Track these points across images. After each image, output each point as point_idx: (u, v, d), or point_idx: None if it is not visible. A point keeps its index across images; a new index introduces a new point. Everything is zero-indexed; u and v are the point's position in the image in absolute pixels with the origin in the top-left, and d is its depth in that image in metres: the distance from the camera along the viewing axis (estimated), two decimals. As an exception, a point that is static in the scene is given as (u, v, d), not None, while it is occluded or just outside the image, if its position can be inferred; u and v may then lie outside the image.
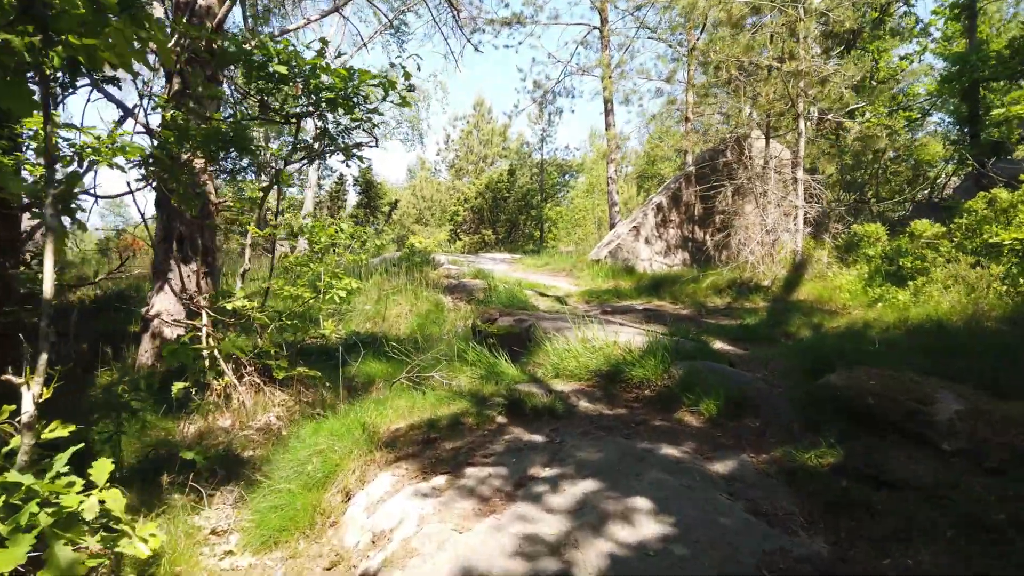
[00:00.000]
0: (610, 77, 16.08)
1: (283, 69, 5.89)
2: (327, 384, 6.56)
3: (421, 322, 9.51)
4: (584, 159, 38.04)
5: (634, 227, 12.53)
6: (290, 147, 6.77)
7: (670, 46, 15.29)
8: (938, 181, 19.59)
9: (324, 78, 6.28)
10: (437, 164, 36.00)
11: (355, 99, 6.72)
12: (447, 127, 35.17)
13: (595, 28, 16.76)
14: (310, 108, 6.65)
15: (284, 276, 9.76)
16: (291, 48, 6.07)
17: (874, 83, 16.23)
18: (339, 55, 21.77)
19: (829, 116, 11.38)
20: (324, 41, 6.39)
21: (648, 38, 16.19)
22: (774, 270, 10.03)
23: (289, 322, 6.88)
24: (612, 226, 16.96)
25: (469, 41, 13.32)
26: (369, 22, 22.67)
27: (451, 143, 35.00)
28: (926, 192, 20.30)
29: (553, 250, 17.53)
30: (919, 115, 19.83)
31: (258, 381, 6.27)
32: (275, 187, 6.80)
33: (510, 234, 29.48)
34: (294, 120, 6.71)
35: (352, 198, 28.91)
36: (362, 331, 9.15)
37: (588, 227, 36.10)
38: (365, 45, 22.86)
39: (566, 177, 34.78)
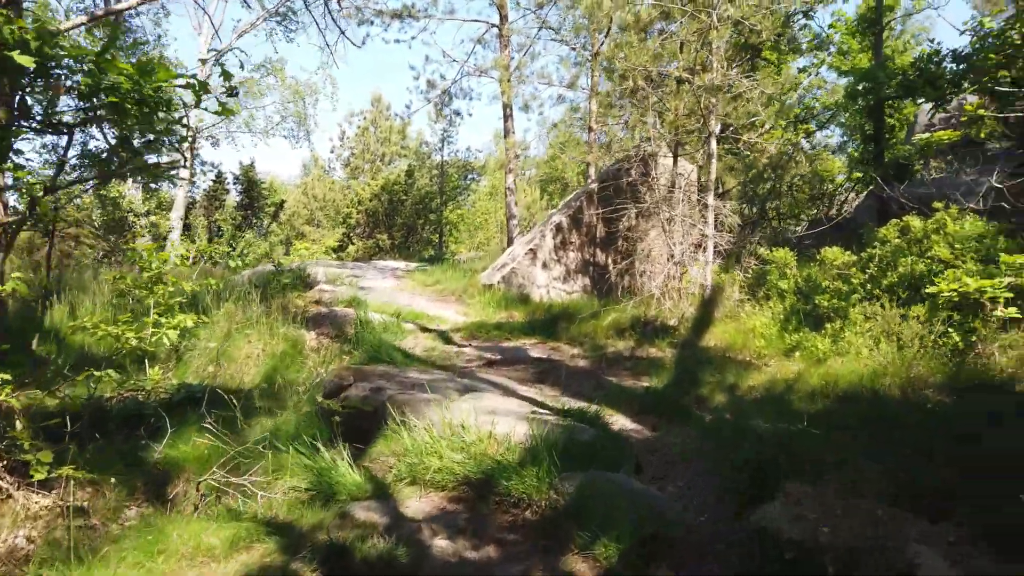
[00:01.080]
0: (509, 80, 14.72)
1: (27, 61, 4.14)
2: (117, 478, 4.90)
3: (273, 367, 7.87)
4: (488, 160, 36.70)
5: (531, 250, 11.21)
6: (57, 167, 4.99)
7: (573, 48, 14.11)
8: (837, 198, 19.36)
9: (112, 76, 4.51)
10: (332, 162, 33.79)
11: (152, 103, 4.90)
12: (343, 123, 33.04)
13: (494, 26, 15.36)
14: (91, 114, 4.89)
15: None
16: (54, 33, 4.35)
17: (781, 97, 15.63)
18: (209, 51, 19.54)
19: (741, 135, 10.41)
20: (115, 28, 4.60)
21: (551, 39, 14.95)
22: (681, 307, 8.91)
23: (98, 374, 5.19)
24: (510, 240, 15.62)
25: (343, 33, 11.60)
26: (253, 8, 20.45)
27: (346, 140, 32.86)
28: (824, 208, 20.09)
29: (447, 264, 16.03)
30: (816, 129, 19.52)
31: (6, 485, 4.51)
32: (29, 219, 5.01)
33: (407, 239, 27.76)
34: (64, 131, 4.94)
35: (242, 197, 26.43)
36: (200, 378, 7.42)
37: (490, 230, 34.79)
38: (244, 34, 20.71)
39: (468, 179, 33.33)
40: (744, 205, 18.92)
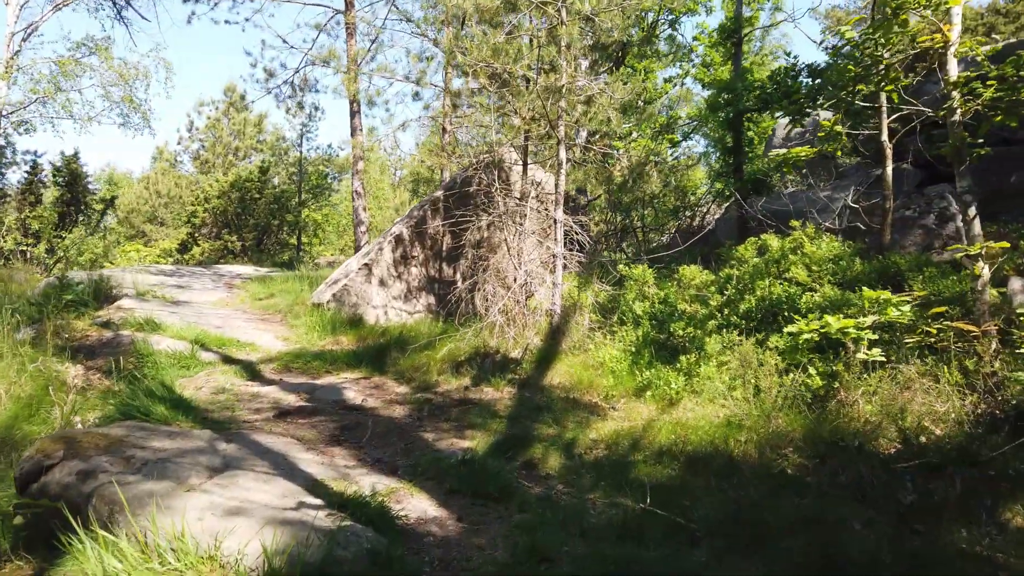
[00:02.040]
0: (355, 73, 13.20)
1: None
2: None
3: (14, 415, 6.14)
4: (347, 158, 34.65)
5: (365, 265, 9.80)
6: None
7: (424, 35, 12.74)
8: (699, 210, 19.14)
9: None
10: (180, 154, 30.73)
11: None
12: (192, 113, 30.09)
13: (339, 12, 13.77)
14: None
15: None
16: None
17: (642, 104, 15.03)
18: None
19: (594, 142, 9.45)
20: None
21: (399, 31, 13.54)
22: (526, 336, 7.82)
23: None
24: (356, 249, 14.10)
25: (130, 4, 9.69)
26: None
27: (196, 131, 29.96)
28: (686, 220, 19.87)
29: (296, 273, 14.29)
30: (680, 139, 19.24)
31: None
32: None
33: (260, 241, 25.46)
34: None
35: (63, 191, 23.10)
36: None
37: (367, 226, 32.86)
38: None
39: (331, 179, 31.26)
40: (611, 216, 18.34)
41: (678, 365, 7.24)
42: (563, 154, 8.34)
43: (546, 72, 7.79)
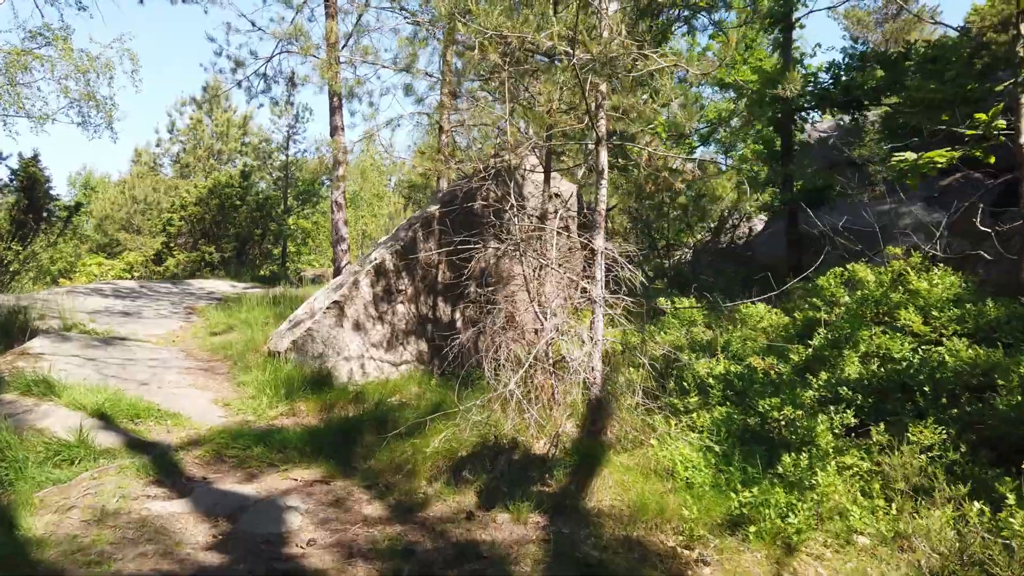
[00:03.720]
0: (335, 59, 10.75)
1: None
2: None
3: None
4: (366, 158, 32.05)
5: (335, 303, 7.34)
6: None
7: (416, 18, 10.21)
8: (729, 222, 16.67)
9: None
10: (160, 157, 28.21)
11: None
12: (172, 112, 27.62)
13: (317, -12, 11.36)
14: None
15: None
16: None
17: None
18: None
19: (633, 142, 7.00)
20: None
21: (384, 8, 11.07)
22: (555, 419, 5.38)
23: None
24: (337, 271, 11.64)
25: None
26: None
27: (176, 132, 27.45)
28: (709, 234, 17.41)
29: (266, 308, 11.82)
30: (699, 144, 16.81)
31: None
32: None
33: (241, 253, 22.97)
34: None
35: (18, 197, 20.55)
36: None
37: (350, 240, 30.31)
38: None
39: (323, 183, 28.76)
40: (627, 230, 15.88)
41: (781, 470, 4.80)
42: (604, 159, 5.90)
43: (584, 43, 5.34)
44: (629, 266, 5.79)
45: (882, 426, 5.20)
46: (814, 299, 7.78)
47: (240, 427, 6.15)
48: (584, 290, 5.65)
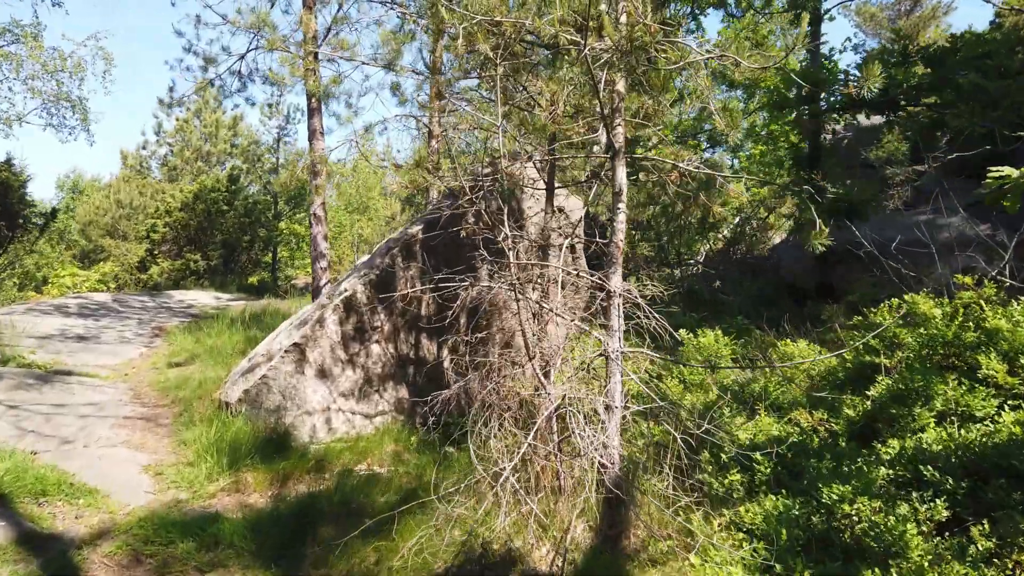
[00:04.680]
0: (313, 54, 9.46)
1: None
2: None
3: None
4: (344, 165, 30.71)
5: (295, 346, 6.06)
6: None
7: (397, 4, 8.83)
8: (748, 231, 15.34)
9: None
10: (147, 159, 26.92)
11: None
12: (159, 113, 26.34)
13: (292, -24, 10.06)
14: None
15: None
16: None
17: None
18: None
19: (647, 149, 5.70)
20: None
21: (365, -2, 9.73)
22: (561, 516, 4.11)
23: None
24: (316, 294, 10.37)
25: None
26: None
27: (163, 134, 26.18)
28: (715, 244, 16.08)
29: (238, 332, 10.57)
30: (706, 146, 15.48)
31: None
32: None
33: (228, 261, 21.72)
34: None
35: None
36: None
37: (343, 247, 29.01)
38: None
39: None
40: (635, 240, 14.57)
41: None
42: (622, 176, 4.62)
43: (598, 29, 4.07)
44: (653, 312, 4.51)
45: (986, 524, 3.94)
46: (864, 335, 6.50)
47: (168, 511, 4.87)
48: (599, 341, 4.37)
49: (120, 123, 70.89)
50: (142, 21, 74.46)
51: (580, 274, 4.57)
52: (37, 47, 15.82)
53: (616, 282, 4.53)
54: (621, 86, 4.66)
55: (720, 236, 15.68)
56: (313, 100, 10.16)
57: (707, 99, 4.50)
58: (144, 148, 26.61)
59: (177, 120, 25.45)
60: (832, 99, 10.31)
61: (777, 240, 15.34)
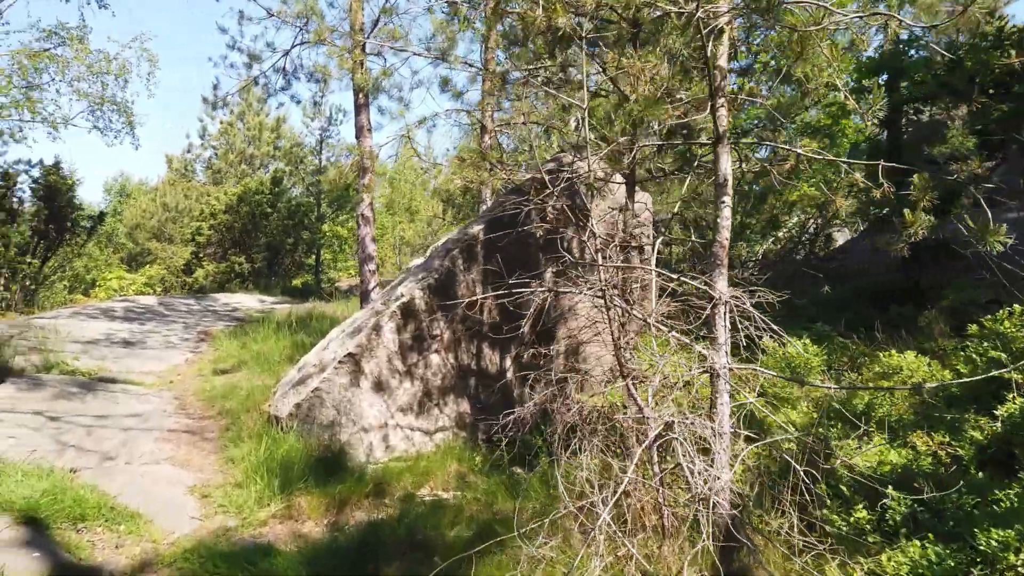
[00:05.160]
0: (361, 47, 8.99)
1: None
2: None
3: None
4: (385, 166, 30.42)
5: (350, 356, 5.54)
6: None
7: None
8: (815, 229, 14.46)
9: None
10: (192, 163, 26.98)
11: None
12: (204, 117, 26.36)
13: (339, -35, 9.62)
14: None
15: None
16: None
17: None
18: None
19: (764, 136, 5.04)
20: None
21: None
22: (667, 562, 3.50)
23: None
24: (365, 298, 9.90)
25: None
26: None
27: (208, 137, 26.18)
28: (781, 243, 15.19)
29: (284, 338, 10.16)
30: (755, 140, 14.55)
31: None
32: None
33: (272, 263, 21.52)
34: None
35: (38, 207, 19.34)
36: None
37: (385, 249, 28.71)
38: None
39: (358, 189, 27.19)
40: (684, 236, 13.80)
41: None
42: (726, 163, 3.99)
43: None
44: (768, 323, 3.87)
45: None
46: (985, 345, 5.74)
47: (216, 540, 4.38)
48: (704, 367, 3.74)
49: (163, 127, 72.14)
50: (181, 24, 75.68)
51: (681, 278, 3.94)
52: (83, 49, 15.71)
53: (722, 287, 3.90)
54: (723, 60, 4.02)
55: (781, 236, 14.84)
56: (360, 95, 9.70)
57: (833, 75, 3.84)
58: (189, 151, 26.70)
59: (221, 123, 25.43)
60: (912, 88, 9.46)
61: (842, 240, 14.45)
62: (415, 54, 8.41)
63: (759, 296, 3.97)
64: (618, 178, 7.02)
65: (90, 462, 5.44)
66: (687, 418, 3.66)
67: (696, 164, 5.11)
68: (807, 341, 6.73)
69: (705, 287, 3.93)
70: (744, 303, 3.89)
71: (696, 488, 3.52)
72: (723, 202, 3.96)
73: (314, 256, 22.84)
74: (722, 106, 3.98)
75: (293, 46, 10.54)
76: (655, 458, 3.73)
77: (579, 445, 4.06)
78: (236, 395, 7.33)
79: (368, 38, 9.14)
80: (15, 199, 18.03)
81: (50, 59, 14.86)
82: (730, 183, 3.98)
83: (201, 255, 21.34)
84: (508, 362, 6.31)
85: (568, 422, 4.29)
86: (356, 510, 4.74)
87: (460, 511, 4.58)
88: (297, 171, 23.65)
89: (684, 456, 3.56)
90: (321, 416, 5.47)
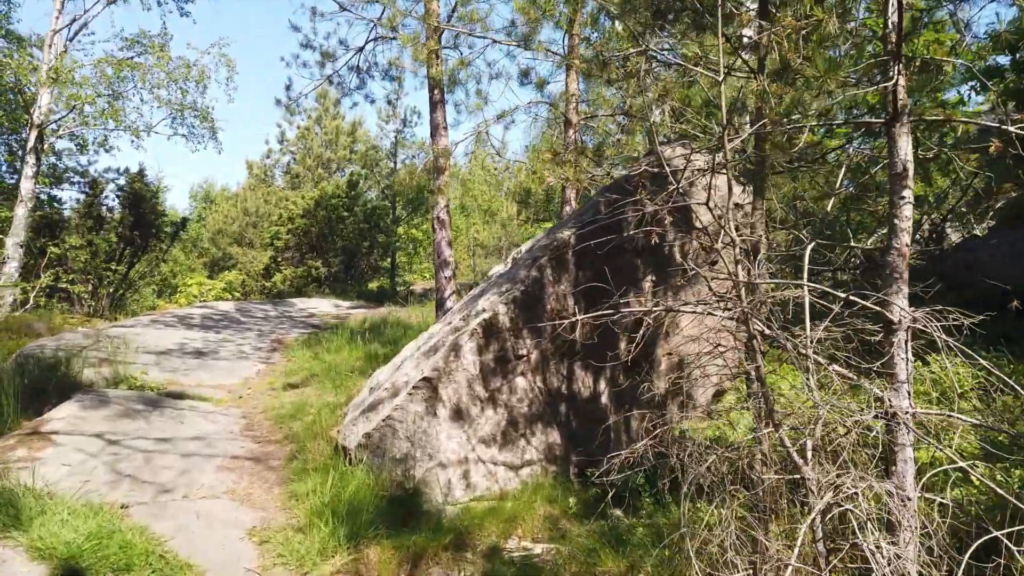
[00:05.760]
0: (437, 36, 8.34)
1: None
2: None
3: None
4: (458, 168, 30.00)
5: (426, 381, 4.82)
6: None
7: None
8: (931, 225, 12.97)
9: None
10: (270, 168, 27.25)
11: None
12: (282, 122, 26.57)
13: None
14: None
15: None
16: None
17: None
18: None
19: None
20: None
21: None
22: None
23: None
24: (440, 305, 9.25)
25: None
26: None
27: (286, 143, 26.35)
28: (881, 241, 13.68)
29: (357, 348, 9.67)
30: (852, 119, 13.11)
31: None
32: None
33: (348, 267, 21.34)
34: None
35: (124, 214, 19.71)
36: None
37: (459, 252, 28.25)
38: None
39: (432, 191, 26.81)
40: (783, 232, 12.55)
41: None
42: (906, 147, 3.05)
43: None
44: (963, 349, 2.92)
45: None
46: None
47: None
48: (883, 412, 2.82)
49: (247, 132, 74.49)
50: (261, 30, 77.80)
51: (850, 296, 3.02)
52: (164, 57, 15.79)
53: (901, 307, 2.96)
54: (895, 17, 3.08)
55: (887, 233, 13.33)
56: (435, 92, 9.06)
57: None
58: (268, 157, 26.96)
59: (298, 128, 25.54)
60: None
61: (955, 237, 12.89)
62: (494, 41, 7.68)
63: (951, 318, 3.02)
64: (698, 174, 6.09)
65: (144, 495, 4.94)
66: (863, 480, 2.75)
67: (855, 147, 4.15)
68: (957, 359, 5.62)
69: (878, 307, 3.01)
70: (932, 326, 2.94)
71: (879, 573, 2.62)
72: (902, 197, 3.02)
73: (389, 259, 22.56)
74: (899, 74, 3.04)
75: (367, 42, 10.01)
76: (820, 533, 2.84)
77: (695, 488, 3.22)
78: (304, 414, 6.79)
79: (445, 25, 8.48)
80: (103, 207, 18.42)
81: (132, 67, 14.94)
82: (911, 173, 3.04)
83: (279, 259, 21.37)
84: (603, 385, 5.49)
85: (688, 467, 3.44)
86: (433, 565, 4.01)
87: (556, 574, 3.79)
88: (373, 174, 23.45)
89: (861, 530, 2.66)
90: (393, 448, 4.78)
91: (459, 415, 4.81)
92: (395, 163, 22.54)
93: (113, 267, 16.37)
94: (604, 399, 5.42)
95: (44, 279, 14.82)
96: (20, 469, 4.97)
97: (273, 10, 72.03)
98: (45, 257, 15.35)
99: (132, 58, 15.71)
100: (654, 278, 5.84)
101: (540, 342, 5.14)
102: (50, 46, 14.84)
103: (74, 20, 15.18)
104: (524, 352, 5.07)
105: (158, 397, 7.34)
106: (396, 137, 22.12)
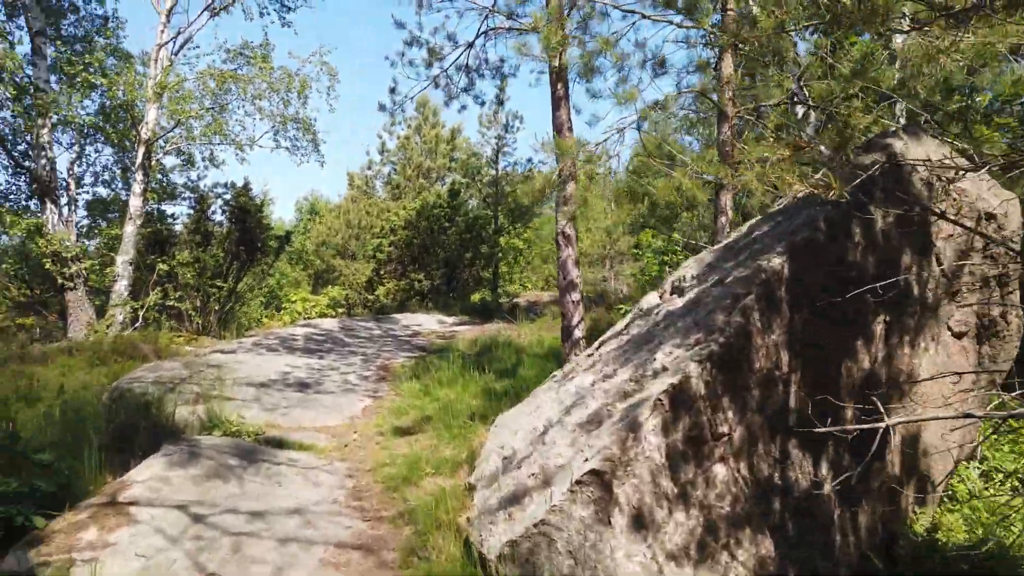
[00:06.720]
0: (561, 22, 7.01)
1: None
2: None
3: None
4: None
5: (595, 475, 3.44)
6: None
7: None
8: None
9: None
10: (371, 179, 26.82)
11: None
12: (382, 133, 26.09)
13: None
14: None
15: None
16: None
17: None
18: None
19: None
20: None
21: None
22: None
23: None
24: (567, 332, 7.89)
25: None
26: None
27: (387, 153, 25.82)
28: None
29: (473, 382, 8.50)
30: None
31: None
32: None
33: (450, 279, 20.41)
34: None
35: (230, 228, 19.51)
36: None
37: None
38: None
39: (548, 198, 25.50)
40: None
41: None
42: None
43: None
44: None
45: None
46: None
47: None
48: None
49: (349, 143, 75.98)
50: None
51: None
52: (266, 67, 15.29)
53: None
54: None
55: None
56: (559, 86, 7.73)
57: None
58: (369, 168, 26.55)
59: (399, 138, 24.96)
60: None
61: None
62: (643, 16, 6.24)
63: None
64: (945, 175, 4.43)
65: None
66: None
67: None
68: None
69: None
70: None
71: None
72: None
73: (491, 270, 21.48)
74: None
75: (478, 35, 8.81)
76: None
77: None
78: (419, 474, 5.61)
79: (570, 10, 7.14)
80: (210, 222, 18.25)
81: (235, 79, 14.47)
82: None
83: (382, 271, 20.71)
84: (824, 468, 3.96)
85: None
86: None
87: None
88: (474, 182, 22.46)
89: None
90: (550, 566, 3.44)
91: (640, 523, 3.41)
92: (496, 170, 21.44)
93: (219, 283, 16.02)
94: (827, 486, 3.89)
95: (152, 296, 14.55)
96: (84, 563, 3.98)
97: (372, 20, 73.00)
98: (154, 274, 15.14)
99: (235, 70, 15.30)
100: (887, 318, 4.25)
101: (744, 413, 3.68)
102: (155, 60, 14.57)
103: (179, 33, 14.88)
104: (725, 430, 3.61)
105: (254, 447, 6.36)
106: (497, 143, 21.02)
